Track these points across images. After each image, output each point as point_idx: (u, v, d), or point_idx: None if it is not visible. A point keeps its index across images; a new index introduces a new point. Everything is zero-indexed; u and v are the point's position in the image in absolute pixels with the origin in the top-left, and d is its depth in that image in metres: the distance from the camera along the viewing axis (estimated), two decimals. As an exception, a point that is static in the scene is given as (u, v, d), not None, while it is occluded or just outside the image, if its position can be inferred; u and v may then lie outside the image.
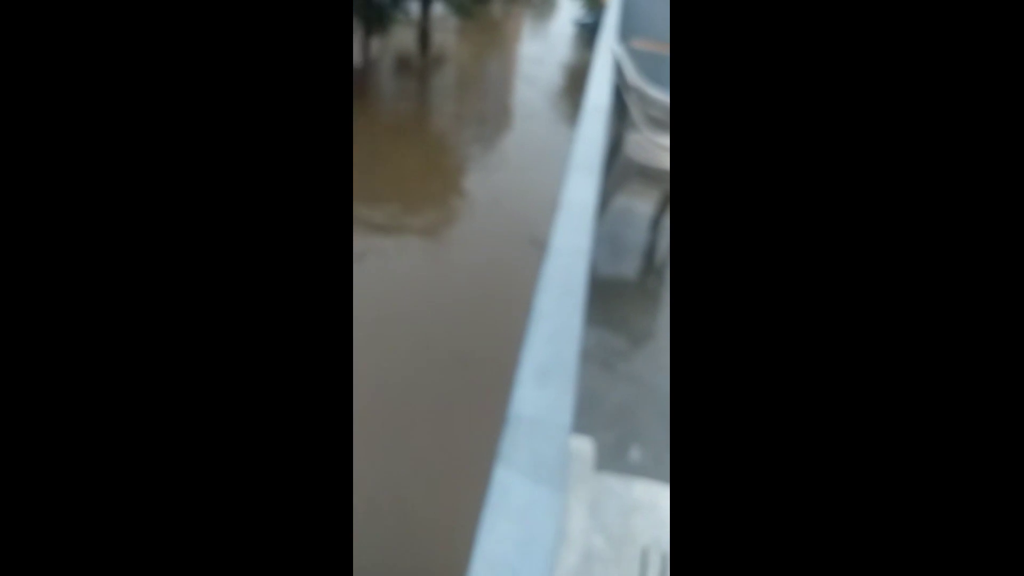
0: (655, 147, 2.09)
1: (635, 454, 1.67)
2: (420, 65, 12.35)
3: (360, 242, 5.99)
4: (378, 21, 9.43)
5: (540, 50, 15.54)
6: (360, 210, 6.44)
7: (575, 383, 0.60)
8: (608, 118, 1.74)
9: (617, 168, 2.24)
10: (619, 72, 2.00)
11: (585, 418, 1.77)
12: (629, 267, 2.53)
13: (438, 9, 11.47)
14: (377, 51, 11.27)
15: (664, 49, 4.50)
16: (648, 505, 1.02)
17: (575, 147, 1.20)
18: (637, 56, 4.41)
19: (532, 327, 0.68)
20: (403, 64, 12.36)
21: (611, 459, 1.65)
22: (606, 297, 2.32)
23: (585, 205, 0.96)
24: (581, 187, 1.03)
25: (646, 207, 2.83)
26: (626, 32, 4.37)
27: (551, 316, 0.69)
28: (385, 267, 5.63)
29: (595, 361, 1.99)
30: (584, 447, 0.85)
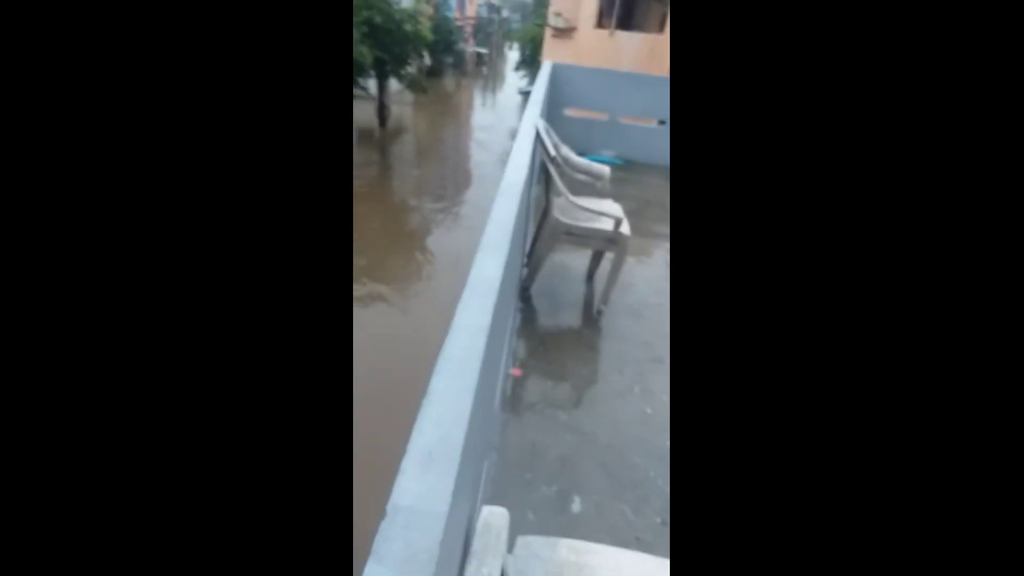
0: (577, 209, 2.27)
1: (576, 506, 1.69)
2: (380, 136, 12.84)
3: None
4: (334, 97, 9.85)
5: (490, 118, 16.55)
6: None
7: (458, 468, 0.59)
8: (526, 192, 1.91)
9: (546, 230, 2.39)
10: (542, 144, 2.20)
11: (528, 473, 1.79)
12: (567, 320, 2.64)
13: (394, 84, 12.12)
14: (335, 124, 11.70)
15: (591, 115, 4.92)
16: (573, 565, 1.01)
17: (487, 228, 1.28)
18: (569, 123, 4.81)
19: (423, 411, 0.66)
20: (364, 135, 12.83)
21: (554, 512, 1.67)
22: (547, 349, 2.40)
23: (490, 283, 1.01)
24: (488, 265, 1.08)
25: (581, 263, 3.00)
26: (557, 103, 4.77)
27: (442, 399, 0.68)
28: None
29: (538, 414, 2.04)
30: (496, 516, 0.85)
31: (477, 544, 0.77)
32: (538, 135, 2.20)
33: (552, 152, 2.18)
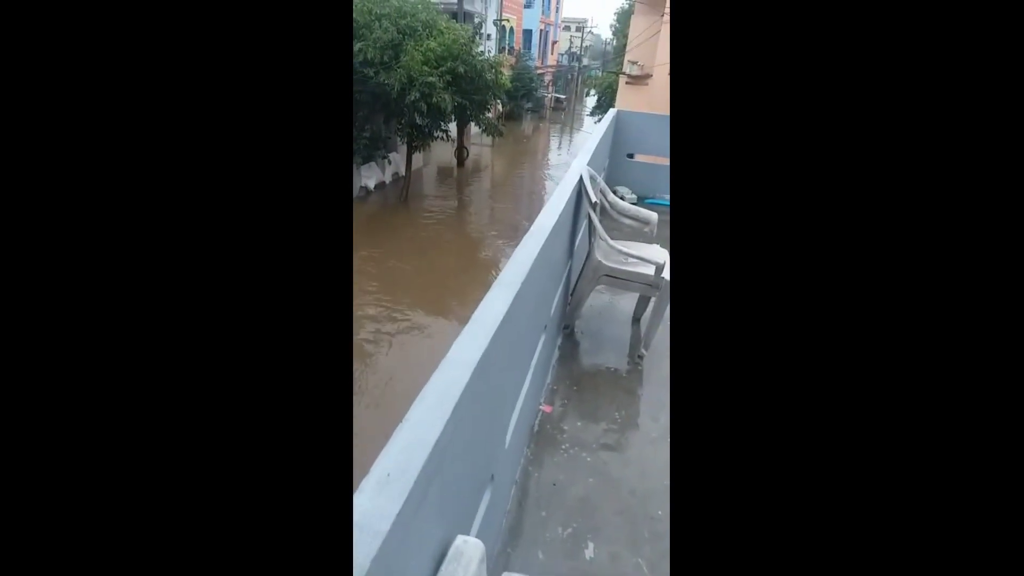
0: (617, 253, 2.31)
1: (589, 552, 1.67)
2: (458, 175, 13.69)
3: (401, 323, 6.34)
4: (420, 138, 10.70)
5: (565, 158, 17.01)
6: (402, 302, 6.90)
7: (409, 492, 0.61)
8: (564, 235, 1.99)
9: (588, 271, 2.45)
10: (585, 191, 2.30)
11: (544, 511, 1.79)
12: (608, 360, 2.63)
13: (473, 127, 12.93)
14: (420, 164, 12.73)
15: (656, 160, 4.94)
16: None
17: (506, 267, 1.36)
18: (635, 168, 4.87)
19: (394, 436, 0.69)
20: (444, 174, 13.78)
21: (565, 555, 1.65)
22: (583, 388, 2.41)
23: (493, 320, 1.07)
24: (495, 302, 1.15)
25: (629, 304, 2.99)
26: (622, 148, 4.86)
27: (414, 427, 0.71)
28: (424, 343, 5.93)
29: (563, 453, 2.04)
30: (469, 546, 0.90)
31: (444, 570, 0.80)
32: (581, 181, 2.30)
33: (594, 198, 2.27)
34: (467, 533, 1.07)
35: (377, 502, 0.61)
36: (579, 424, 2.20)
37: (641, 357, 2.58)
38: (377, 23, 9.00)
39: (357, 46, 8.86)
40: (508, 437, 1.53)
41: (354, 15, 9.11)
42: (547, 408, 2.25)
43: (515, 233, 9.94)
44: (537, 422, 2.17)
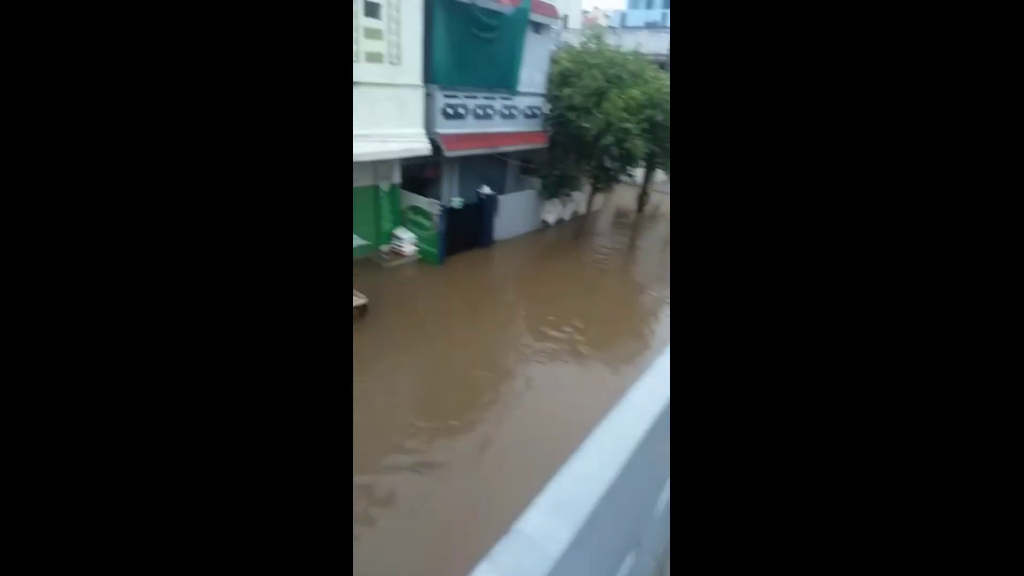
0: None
1: None
2: (634, 219, 13.65)
3: (567, 365, 6.52)
4: (605, 180, 10.98)
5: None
6: (565, 332, 7.11)
7: (584, 521, 0.61)
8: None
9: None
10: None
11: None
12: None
13: (659, 175, 12.77)
14: (600, 205, 13.07)
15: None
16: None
17: None
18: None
19: (567, 464, 0.71)
20: (621, 216, 13.90)
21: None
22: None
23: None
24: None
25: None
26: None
27: (590, 457, 0.71)
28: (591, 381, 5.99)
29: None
30: None
31: None
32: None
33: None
34: None
35: (553, 523, 0.62)
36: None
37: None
38: (587, 71, 9.61)
39: (566, 91, 9.56)
40: (660, 505, 1.41)
41: (568, 63, 9.89)
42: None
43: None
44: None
